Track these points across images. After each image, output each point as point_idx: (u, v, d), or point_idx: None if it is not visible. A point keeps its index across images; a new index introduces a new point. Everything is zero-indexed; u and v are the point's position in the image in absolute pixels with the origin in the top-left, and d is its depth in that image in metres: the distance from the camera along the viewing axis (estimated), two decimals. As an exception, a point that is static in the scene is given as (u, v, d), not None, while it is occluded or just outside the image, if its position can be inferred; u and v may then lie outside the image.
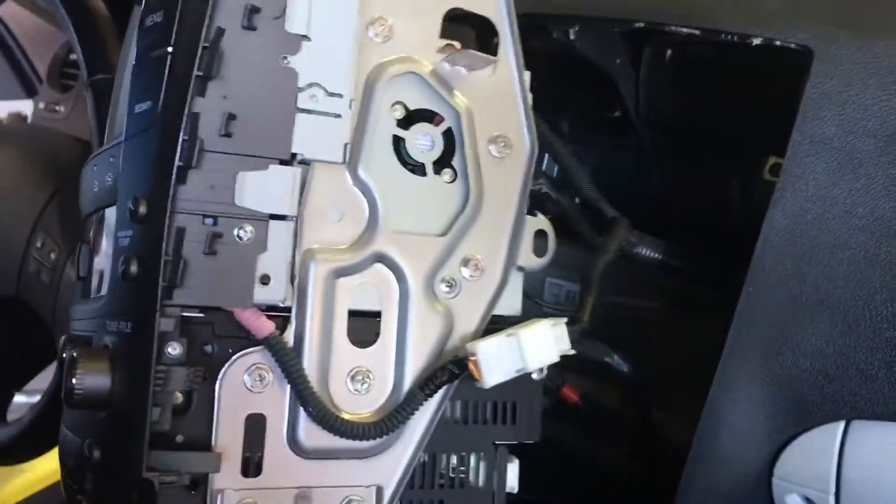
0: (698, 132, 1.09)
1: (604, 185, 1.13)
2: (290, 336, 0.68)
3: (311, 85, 0.62)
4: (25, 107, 1.91)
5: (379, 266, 0.71)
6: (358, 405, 0.70)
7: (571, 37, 0.97)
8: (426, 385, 0.70)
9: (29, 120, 1.80)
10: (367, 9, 0.70)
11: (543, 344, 0.73)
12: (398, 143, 0.72)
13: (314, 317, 0.68)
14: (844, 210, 0.79)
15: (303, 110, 0.62)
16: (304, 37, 0.62)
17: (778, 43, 0.82)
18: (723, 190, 1.09)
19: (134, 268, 0.60)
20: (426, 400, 0.71)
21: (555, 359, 0.74)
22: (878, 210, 0.79)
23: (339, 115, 0.63)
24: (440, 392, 0.72)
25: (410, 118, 0.73)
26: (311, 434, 0.68)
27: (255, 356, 0.67)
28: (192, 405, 0.66)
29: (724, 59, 1.00)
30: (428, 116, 0.74)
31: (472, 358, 0.71)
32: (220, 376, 0.65)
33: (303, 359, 0.68)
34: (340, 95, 0.63)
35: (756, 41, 0.83)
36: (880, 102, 0.79)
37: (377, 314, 0.71)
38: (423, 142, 0.73)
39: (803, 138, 0.81)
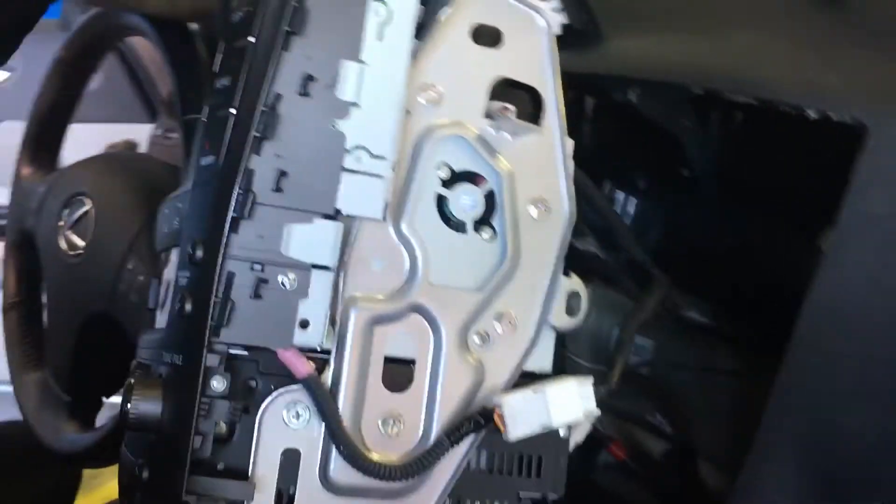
0: (761, 196, 1.09)
1: (667, 243, 1.15)
2: (327, 377, 0.72)
3: (357, 147, 0.67)
4: (145, 130, 2.04)
5: (416, 316, 0.75)
6: (388, 447, 0.74)
7: (633, 99, 1.00)
8: (453, 433, 0.74)
9: (147, 142, 1.93)
10: (418, 75, 0.75)
11: (569, 402, 0.76)
12: (441, 201, 0.77)
13: (352, 361, 0.73)
14: (889, 292, 0.79)
15: (348, 170, 0.67)
16: (354, 104, 0.67)
17: (833, 118, 0.82)
18: (780, 255, 1.09)
19: (188, 306, 0.66)
20: (452, 447, 0.74)
21: (580, 418, 0.77)
22: None
23: (381, 176, 0.68)
24: (467, 441, 0.76)
25: (454, 178, 0.78)
26: (342, 472, 0.72)
27: (294, 394, 0.72)
28: (235, 436, 0.71)
29: (785, 129, 1.01)
30: (471, 177, 0.78)
31: (497, 410, 0.75)
32: (260, 410, 0.71)
33: (338, 399, 0.72)
34: (384, 158, 0.68)
35: (812, 115, 0.84)
36: None
37: (412, 362, 0.75)
38: (466, 201, 0.78)
39: (852, 214, 0.80)
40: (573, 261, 0.98)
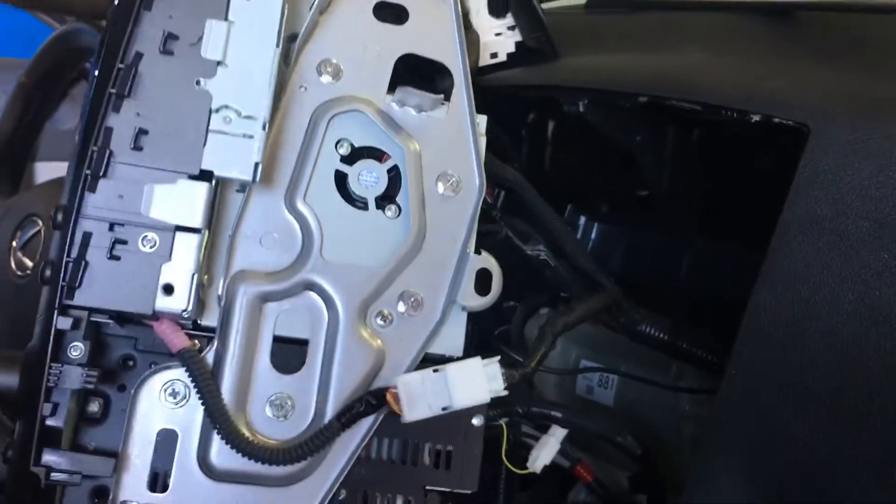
0: (716, 210, 1.06)
1: (635, 265, 1.12)
2: (210, 355, 0.69)
3: (224, 107, 0.65)
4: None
5: (309, 294, 0.72)
6: (276, 431, 0.70)
7: (581, 109, 0.98)
8: (342, 415, 0.69)
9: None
10: (317, 50, 0.74)
11: (473, 382, 0.71)
12: (342, 177, 0.74)
13: (238, 339, 0.69)
14: (833, 294, 0.74)
15: (215, 130, 0.65)
16: (220, 63, 0.65)
17: (776, 120, 0.80)
18: (733, 269, 1.05)
19: (48, 271, 0.63)
20: (342, 431, 0.69)
21: (485, 399, 0.71)
22: (868, 296, 0.73)
23: (251, 137, 0.66)
24: (363, 426, 0.71)
25: (356, 154, 0.75)
26: (223, 455, 0.68)
27: (173, 372, 0.68)
28: (109, 415, 0.68)
29: (731, 139, 0.98)
30: (375, 153, 0.75)
31: (392, 390, 0.70)
32: (136, 388, 0.67)
33: (222, 379, 0.69)
34: (254, 118, 0.66)
35: (755, 118, 0.82)
36: (877, 184, 0.74)
37: (305, 342, 0.71)
38: (367, 178, 0.74)
39: (794, 217, 0.77)
40: (522, 266, 0.95)
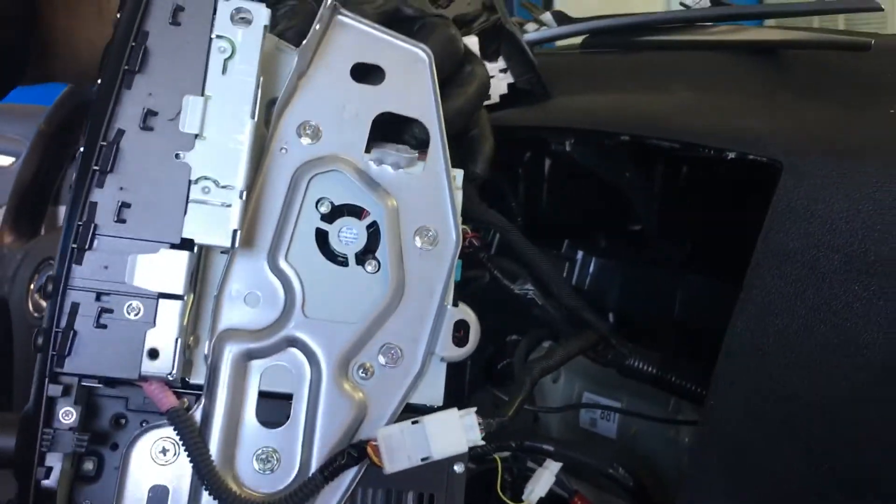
0: (706, 247, 1.07)
1: (631, 299, 1.13)
2: (198, 412, 0.72)
3: (203, 178, 0.69)
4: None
5: (292, 350, 0.75)
6: (263, 485, 0.73)
7: (567, 148, 1.00)
8: (325, 468, 0.72)
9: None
10: (296, 113, 0.77)
11: (451, 433, 0.74)
12: (322, 235, 0.77)
13: (224, 395, 0.73)
14: (806, 326, 0.76)
15: (195, 201, 0.68)
16: (198, 136, 0.69)
17: (750, 157, 0.82)
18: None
19: (40, 339, 0.67)
20: (325, 483, 0.72)
21: (463, 449, 0.74)
22: (839, 327, 0.75)
23: (229, 205, 0.69)
24: (346, 477, 0.74)
25: (336, 212, 0.78)
26: (212, 510, 0.71)
27: (163, 430, 0.72)
28: (103, 473, 0.71)
29: (717, 174, 1.00)
30: (354, 210, 0.78)
31: (372, 443, 0.72)
32: (127, 447, 0.71)
33: (210, 435, 0.72)
34: (232, 187, 0.69)
35: (730, 155, 0.84)
36: (847, 219, 0.76)
37: (289, 396, 0.74)
38: (347, 235, 0.77)
39: (767, 250, 0.79)
40: (510, 304, 0.97)
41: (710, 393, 0.80)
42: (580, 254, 1.14)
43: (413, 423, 0.74)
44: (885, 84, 0.92)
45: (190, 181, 0.68)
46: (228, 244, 0.69)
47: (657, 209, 1.06)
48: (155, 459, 0.71)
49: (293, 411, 0.74)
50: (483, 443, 0.74)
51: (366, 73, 0.79)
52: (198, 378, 0.73)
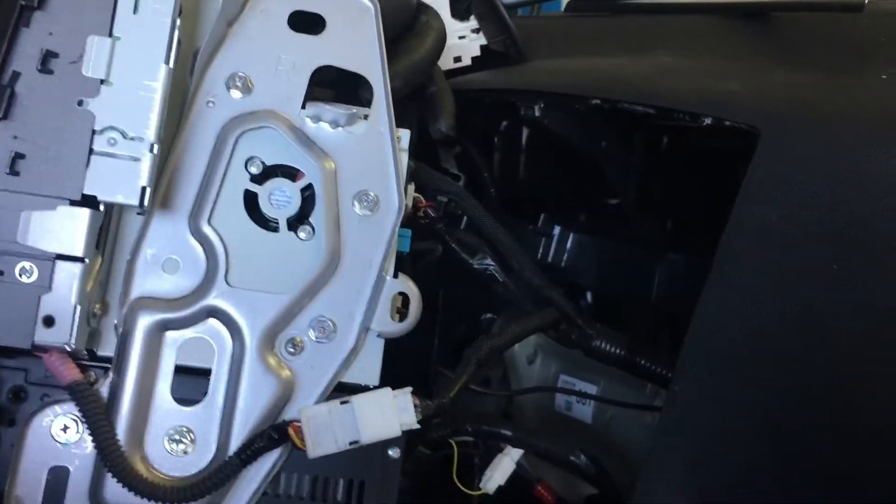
0: (687, 223, 1.01)
1: (609, 277, 1.07)
2: (105, 387, 0.66)
3: (109, 128, 0.62)
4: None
5: (213, 322, 0.68)
6: (175, 467, 0.66)
7: (537, 113, 0.94)
8: (243, 451, 0.65)
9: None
10: (226, 63, 0.70)
11: (383, 415, 0.67)
12: (251, 197, 0.70)
13: (135, 369, 0.66)
14: (779, 307, 0.70)
15: (99, 153, 0.62)
16: (104, 81, 0.62)
17: (727, 122, 0.76)
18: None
19: None
20: (242, 467, 0.66)
21: (396, 433, 0.67)
22: (814, 309, 0.69)
23: (137, 159, 0.62)
24: (268, 461, 0.67)
25: (267, 173, 0.71)
26: (116, 494, 0.65)
27: (66, 406, 0.65)
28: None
29: (699, 146, 0.93)
30: (288, 172, 0.72)
31: (295, 424, 0.66)
32: (25, 423, 0.64)
33: (118, 412, 0.65)
34: (141, 139, 0.62)
35: (706, 120, 0.78)
36: (828, 191, 0.70)
37: (208, 372, 0.68)
38: (279, 198, 0.71)
39: (741, 222, 0.72)
40: (469, 280, 0.90)
41: (675, 375, 0.74)
42: (557, 229, 1.07)
43: (342, 403, 0.67)
44: (878, 47, 0.85)
45: (94, 131, 0.62)
46: (136, 202, 0.62)
47: (635, 182, 0.99)
48: (56, 437, 0.65)
49: (211, 388, 0.68)
50: (418, 426, 0.67)
51: (305, 22, 0.72)
52: (107, 350, 0.67)
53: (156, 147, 0.63)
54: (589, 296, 1.09)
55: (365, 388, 0.70)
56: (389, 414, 0.67)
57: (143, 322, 0.67)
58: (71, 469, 0.65)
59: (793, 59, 0.88)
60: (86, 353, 0.66)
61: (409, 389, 0.68)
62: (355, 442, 0.66)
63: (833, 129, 0.73)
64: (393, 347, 0.81)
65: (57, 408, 0.65)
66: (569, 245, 1.09)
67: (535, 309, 0.89)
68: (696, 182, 0.96)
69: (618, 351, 0.88)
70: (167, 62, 0.63)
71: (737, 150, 0.78)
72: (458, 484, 0.82)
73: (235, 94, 0.70)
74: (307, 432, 0.65)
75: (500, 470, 0.83)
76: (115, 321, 0.67)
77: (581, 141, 0.97)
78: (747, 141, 0.75)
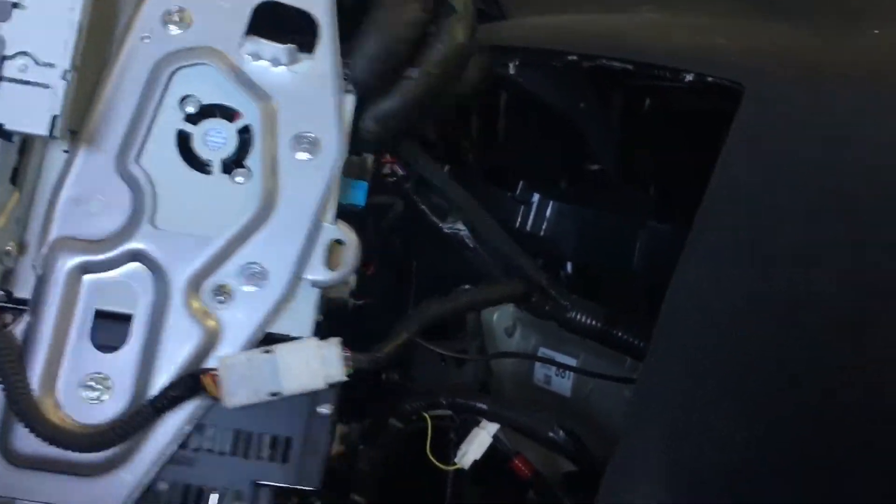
0: (670, 190, 0.94)
1: (589, 247, 1.01)
2: (19, 329, 0.63)
3: (20, 53, 0.59)
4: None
5: (136, 265, 0.65)
6: (90, 415, 0.63)
7: (511, 71, 0.89)
8: (157, 399, 0.62)
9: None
10: None
11: (307, 366, 0.63)
12: (186, 138, 0.67)
13: (52, 312, 0.63)
14: (761, 277, 0.65)
15: (8, 79, 0.59)
16: (16, 4, 0.59)
17: (710, 79, 0.71)
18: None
19: None
20: (157, 416, 0.62)
21: (319, 385, 0.63)
22: (797, 283, 0.64)
23: (48, 86, 0.59)
24: (187, 410, 0.63)
25: (204, 112, 0.67)
26: (25, 440, 0.62)
27: (-24, 347, 0.62)
28: None
29: (685, 108, 0.88)
30: (226, 112, 0.68)
31: (212, 372, 0.62)
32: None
33: (33, 356, 0.63)
34: (53, 66, 0.59)
35: (688, 77, 0.73)
36: (817, 153, 0.65)
37: (129, 318, 0.64)
38: (214, 138, 0.67)
39: (722, 185, 0.67)
40: (445, 248, 0.86)
41: (651, 347, 0.69)
42: (536, 197, 1.02)
43: (265, 352, 0.63)
44: (872, 1, 0.79)
45: (3, 57, 0.59)
46: (45, 132, 0.59)
47: (616, 147, 0.93)
48: (-37, 381, 0.62)
49: (132, 334, 0.64)
50: (345, 379, 0.63)
51: None
52: (24, 292, 0.64)
53: (69, 74, 0.59)
54: (569, 266, 1.03)
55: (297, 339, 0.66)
56: (314, 365, 0.63)
57: (63, 263, 0.64)
58: (-22, 410, 0.62)
59: (782, 14, 0.82)
60: (1, 293, 0.63)
61: (336, 340, 0.64)
62: (276, 394, 0.62)
63: (822, 85, 0.68)
64: (366, 320, 0.77)
65: (-34, 349, 0.62)
66: (548, 213, 1.04)
67: (504, 277, 0.84)
68: (682, 147, 0.90)
69: (594, 323, 0.83)
70: (84, -14, 0.60)
71: (725, 113, 0.72)
72: (433, 459, 0.78)
73: (172, 29, 0.67)
74: (224, 381, 0.62)
75: (476, 444, 0.79)
76: (33, 262, 0.64)
77: (559, 101, 0.92)
78: (735, 102, 0.69)
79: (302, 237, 0.66)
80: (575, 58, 0.81)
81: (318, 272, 0.66)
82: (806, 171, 0.64)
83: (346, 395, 0.74)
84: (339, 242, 0.67)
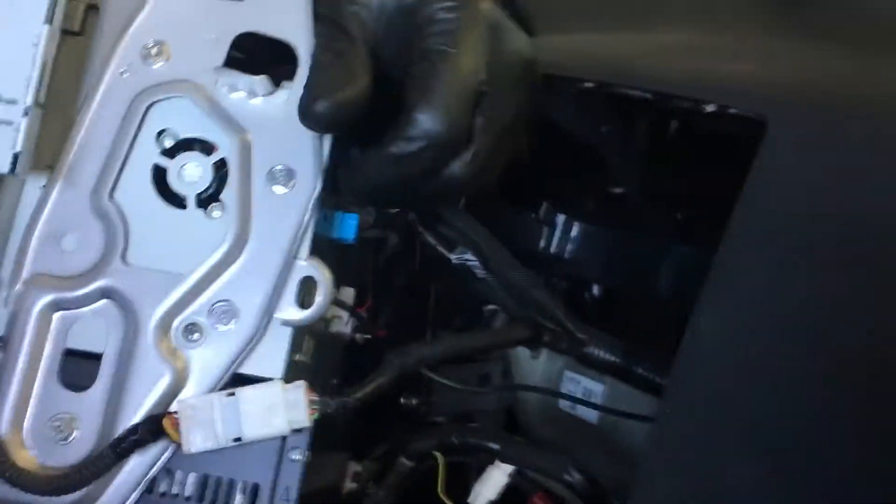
0: (698, 215, 0.89)
1: (614, 271, 0.97)
2: (-10, 367, 0.63)
3: (-20, 89, 0.59)
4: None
5: (107, 303, 0.64)
6: (56, 456, 0.62)
7: None
8: (117, 443, 0.60)
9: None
10: (143, 29, 0.66)
11: (269, 411, 0.60)
12: (162, 173, 0.66)
13: (23, 350, 0.63)
14: (784, 317, 0.61)
15: None
16: (-23, 39, 0.59)
17: (731, 110, 0.68)
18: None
19: None
20: (118, 460, 0.61)
21: (283, 430, 0.60)
22: (820, 323, 0.60)
23: (10, 123, 0.59)
24: (148, 455, 0.62)
25: (180, 145, 0.66)
26: (-12, 477, 0.61)
27: (-53, 384, 0.62)
28: None
29: (712, 131, 0.83)
30: (203, 145, 0.67)
31: (172, 415, 0.60)
32: None
33: (3, 393, 0.62)
34: (14, 102, 0.59)
35: (709, 107, 0.68)
36: (843, 188, 0.61)
37: (100, 356, 0.64)
38: (190, 172, 0.66)
39: (743, 224, 0.63)
40: (445, 275, 0.83)
41: (665, 394, 0.65)
42: (561, 217, 0.97)
43: (228, 395, 0.61)
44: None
45: None
46: (5, 170, 0.58)
47: (640, 170, 0.88)
48: (-68, 419, 0.62)
49: (100, 373, 0.63)
50: (308, 425, 0.60)
51: None
52: None
53: (32, 111, 0.59)
54: (595, 289, 0.99)
55: (264, 381, 0.64)
56: (278, 410, 0.60)
57: (35, 300, 0.63)
58: (-52, 449, 0.62)
59: (814, 35, 0.77)
60: (-24, 329, 0.63)
61: (301, 383, 0.61)
62: (238, 439, 0.60)
63: (849, 120, 0.63)
64: (382, 347, 0.75)
65: (-60, 385, 0.62)
66: (573, 234, 0.99)
67: (517, 309, 0.80)
68: (708, 170, 0.85)
69: (613, 358, 0.78)
70: (48, 21, 0.60)
71: (752, 136, 0.67)
72: (444, 499, 0.75)
73: (151, 62, 0.66)
74: (184, 425, 0.60)
75: (491, 485, 0.76)
76: (5, 298, 0.64)
77: (579, 125, 0.88)
78: (761, 129, 0.65)
79: (274, 274, 0.64)
80: (591, 85, 0.77)
81: (289, 311, 0.64)
82: (829, 207, 0.61)
83: (364, 421, 0.72)
84: (310, 279, 0.64)
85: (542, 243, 0.99)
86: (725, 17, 0.85)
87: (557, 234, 0.98)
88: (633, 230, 0.95)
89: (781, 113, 0.63)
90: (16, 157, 0.58)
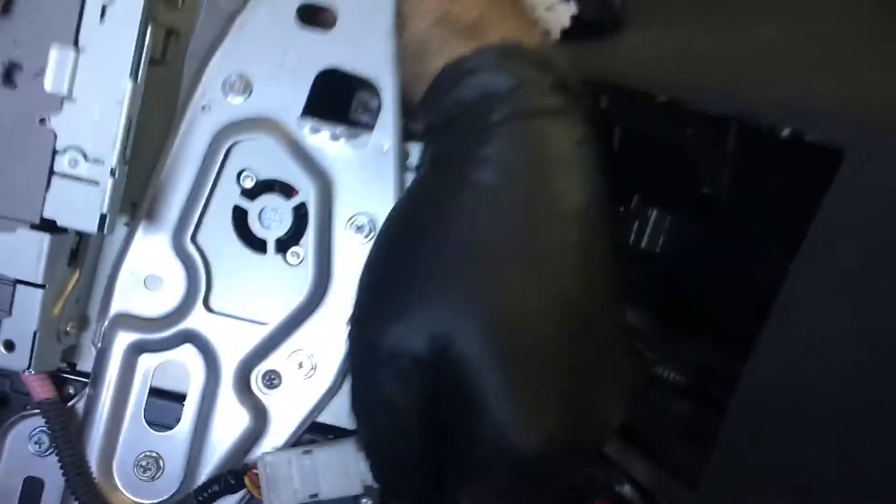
0: (794, 223, 0.84)
1: (704, 271, 0.94)
2: (80, 404, 0.65)
3: (70, 148, 0.58)
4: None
5: (189, 347, 0.65)
6: (142, 493, 0.65)
7: (603, 105, 0.81)
8: (200, 492, 0.63)
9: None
10: (225, 62, 0.64)
11: (344, 469, 0.62)
12: (242, 215, 0.65)
13: (111, 388, 0.65)
14: (842, 369, 0.57)
15: (60, 174, 0.58)
16: (67, 97, 0.58)
17: (807, 138, 0.62)
18: None
19: None
20: (202, 509, 0.63)
21: (356, 490, 0.62)
22: (886, 378, 0.56)
23: (97, 183, 0.58)
24: (233, 501, 0.64)
25: (260, 188, 0.65)
26: (83, 522, 0.64)
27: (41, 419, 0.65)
28: (-21, 459, 0.66)
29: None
30: (283, 188, 0.66)
31: (253, 471, 0.62)
32: (3, 430, 0.65)
33: (92, 429, 0.65)
34: (101, 162, 0.58)
35: (785, 133, 0.64)
36: None
37: (183, 396, 0.65)
38: (270, 216, 0.65)
39: (809, 262, 0.60)
40: None
41: (719, 443, 0.63)
42: (654, 211, 0.94)
43: (304, 452, 0.62)
44: None
45: (55, 151, 0.58)
46: (93, 230, 0.58)
47: (728, 173, 0.84)
48: (31, 448, 0.65)
49: (184, 415, 0.65)
50: (372, 484, 0.62)
51: (311, 15, 0.65)
52: (87, 365, 0.66)
53: (118, 171, 0.58)
54: (690, 288, 0.96)
55: (343, 431, 0.65)
56: (351, 469, 0.61)
57: (121, 340, 0.65)
58: (45, 481, 0.65)
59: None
60: (66, 366, 0.65)
61: (375, 445, 0.62)
62: (315, 496, 0.62)
63: None
64: None
65: (35, 419, 0.65)
66: (665, 228, 0.96)
67: None
68: (796, 179, 0.80)
69: (680, 379, 0.77)
70: (134, 76, 0.58)
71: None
72: None
73: (233, 97, 0.64)
74: (264, 481, 0.61)
75: None
76: (94, 336, 0.65)
77: (661, 130, 0.83)
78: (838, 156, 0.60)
79: (353, 326, 0.64)
80: (664, 100, 0.73)
81: (367, 366, 0.64)
82: None
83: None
84: (389, 336, 0.64)
85: (633, 237, 0.96)
86: (823, 19, 0.78)
87: (649, 227, 0.95)
88: (723, 233, 0.92)
89: (859, 142, 0.58)
90: (103, 217, 0.58)
